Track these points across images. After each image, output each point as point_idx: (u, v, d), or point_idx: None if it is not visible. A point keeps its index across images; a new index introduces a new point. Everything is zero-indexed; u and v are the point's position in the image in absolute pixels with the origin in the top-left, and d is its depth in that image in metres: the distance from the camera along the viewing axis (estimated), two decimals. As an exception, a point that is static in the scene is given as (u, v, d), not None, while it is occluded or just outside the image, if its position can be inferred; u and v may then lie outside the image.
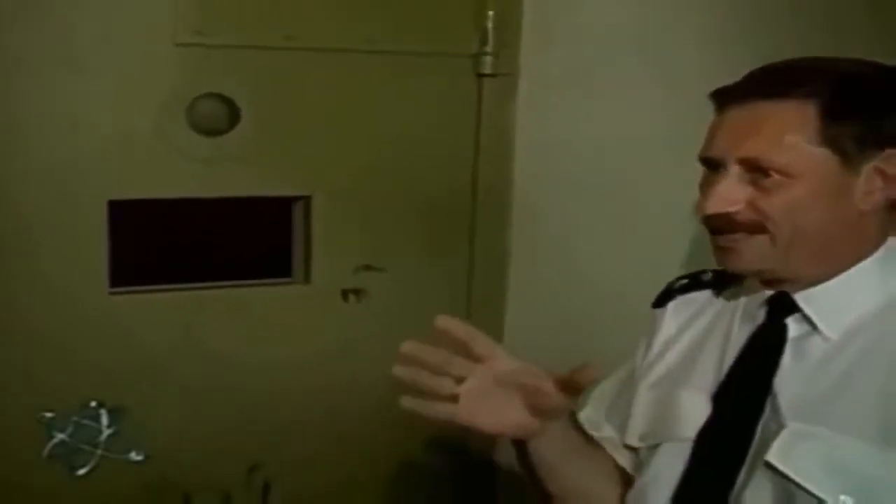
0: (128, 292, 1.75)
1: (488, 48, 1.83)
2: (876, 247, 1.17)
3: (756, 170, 1.14)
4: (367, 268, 1.86)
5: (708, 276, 1.33)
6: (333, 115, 1.78)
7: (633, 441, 1.34)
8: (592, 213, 1.87)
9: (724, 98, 1.20)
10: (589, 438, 1.37)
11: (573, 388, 1.16)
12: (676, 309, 1.40)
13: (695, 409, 1.24)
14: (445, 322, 1.17)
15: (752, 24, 1.93)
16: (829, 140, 1.11)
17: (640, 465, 1.31)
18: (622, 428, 1.35)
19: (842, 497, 1.06)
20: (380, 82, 1.79)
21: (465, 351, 1.18)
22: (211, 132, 1.71)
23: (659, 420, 1.31)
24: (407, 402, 1.16)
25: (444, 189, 1.88)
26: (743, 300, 1.27)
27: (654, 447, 1.29)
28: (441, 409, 1.18)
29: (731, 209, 1.15)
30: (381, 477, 1.93)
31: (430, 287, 1.85)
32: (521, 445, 1.28)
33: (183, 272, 1.83)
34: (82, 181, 1.66)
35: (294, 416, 1.85)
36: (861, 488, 1.06)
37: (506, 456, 1.99)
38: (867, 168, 1.13)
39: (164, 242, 1.99)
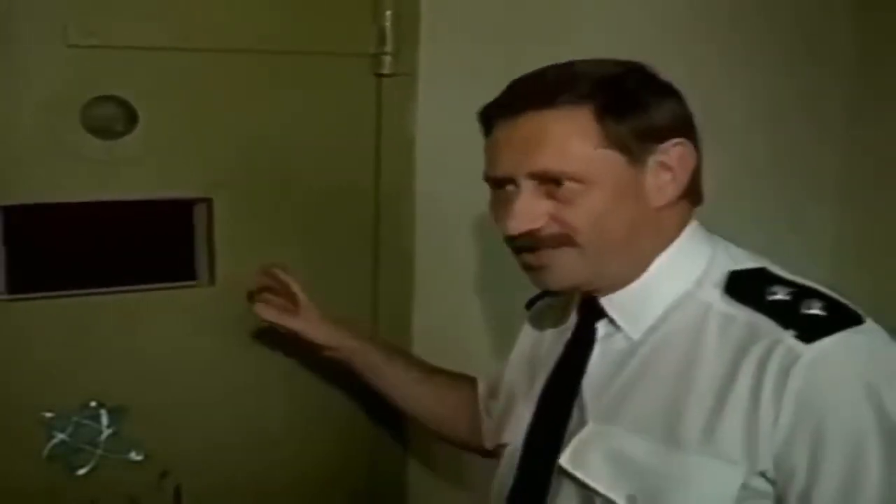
0: (26, 299, 1.72)
1: (387, 48, 1.81)
2: (671, 239, 1.18)
3: (550, 181, 1.12)
4: (272, 269, 1.84)
5: None
6: (233, 117, 1.76)
7: (486, 442, 1.44)
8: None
9: (494, 115, 1.20)
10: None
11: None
12: (534, 315, 1.45)
13: (523, 416, 1.28)
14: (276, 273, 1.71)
15: (671, 20, 1.95)
16: (612, 141, 1.11)
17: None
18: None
19: (627, 494, 1.08)
20: (278, 83, 1.78)
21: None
22: (107, 135, 1.68)
23: (501, 425, 1.36)
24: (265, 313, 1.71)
25: (347, 190, 1.87)
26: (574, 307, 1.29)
27: (502, 448, 1.33)
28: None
29: (535, 225, 1.14)
30: (292, 478, 1.92)
31: (336, 287, 1.84)
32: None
33: (86, 277, 1.80)
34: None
35: (203, 420, 1.83)
36: (646, 486, 1.07)
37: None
38: (652, 163, 1.13)
39: (66, 247, 1.96)
